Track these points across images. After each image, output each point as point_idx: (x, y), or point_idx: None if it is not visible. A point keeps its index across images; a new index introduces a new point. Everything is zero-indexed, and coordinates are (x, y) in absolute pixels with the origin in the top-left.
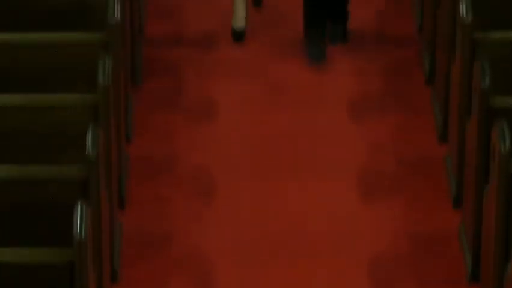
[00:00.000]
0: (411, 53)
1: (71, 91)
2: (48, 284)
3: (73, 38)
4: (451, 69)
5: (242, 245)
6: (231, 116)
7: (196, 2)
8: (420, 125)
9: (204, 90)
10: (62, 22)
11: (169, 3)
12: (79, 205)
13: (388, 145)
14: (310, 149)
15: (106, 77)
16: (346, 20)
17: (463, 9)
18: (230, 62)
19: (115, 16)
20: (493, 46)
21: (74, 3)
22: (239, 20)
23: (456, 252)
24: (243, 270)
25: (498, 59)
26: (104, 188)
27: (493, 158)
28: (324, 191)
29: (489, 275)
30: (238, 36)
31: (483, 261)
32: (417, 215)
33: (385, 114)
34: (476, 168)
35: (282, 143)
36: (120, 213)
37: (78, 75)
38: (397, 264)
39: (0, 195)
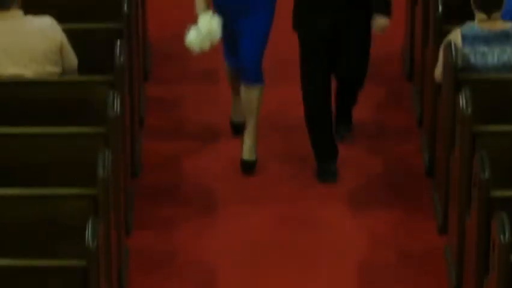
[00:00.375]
0: (411, 145)
1: (71, 184)
2: None
3: (73, 131)
4: (450, 161)
5: None
6: (230, 208)
7: (196, 95)
8: (420, 216)
9: (203, 184)
10: (63, 116)
11: (169, 96)
12: None
13: (389, 237)
14: (311, 241)
15: (106, 170)
16: (351, 120)
17: (462, 102)
18: (229, 156)
19: (115, 110)
20: (492, 138)
21: (74, 97)
22: (237, 113)
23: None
24: None
25: (498, 151)
26: (104, 280)
27: (493, 249)
28: (324, 282)
29: None
30: (237, 129)
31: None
32: None
33: (385, 206)
34: (476, 259)
35: (282, 233)
36: None
37: (78, 168)
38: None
39: (2, 285)
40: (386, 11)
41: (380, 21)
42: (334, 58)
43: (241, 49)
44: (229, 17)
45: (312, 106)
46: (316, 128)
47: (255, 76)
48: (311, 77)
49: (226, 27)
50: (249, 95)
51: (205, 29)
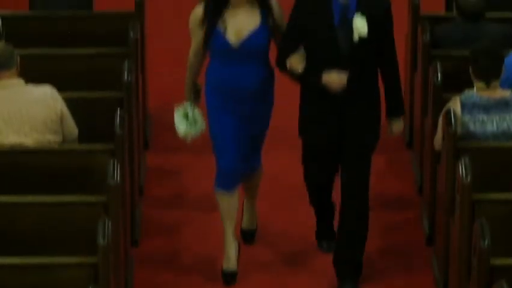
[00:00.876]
0: (411, 213)
1: (71, 252)
2: None
3: (73, 200)
4: (450, 229)
5: None
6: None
7: (195, 164)
8: (421, 285)
9: (203, 252)
10: (63, 184)
11: (169, 164)
12: None
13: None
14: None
15: (106, 238)
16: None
17: (462, 170)
18: None
19: (115, 178)
20: (492, 206)
21: (74, 166)
22: (231, 262)
23: None
24: None
25: (497, 219)
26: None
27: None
28: None
29: None
30: (229, 279)
31: None
32: None
33: (386, 275)
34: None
35: None
36: None
37: (78, 236)
38: None
39: None
40: (401, 111)
41: (396, 125)
42: (338, 159)
43: (242, 146)
44: (228, 104)
45: (316, 199)
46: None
47: (257, 165)
48: (313, 174)
49: (223, 118)
50: (250, 180)
51: (184, 122)
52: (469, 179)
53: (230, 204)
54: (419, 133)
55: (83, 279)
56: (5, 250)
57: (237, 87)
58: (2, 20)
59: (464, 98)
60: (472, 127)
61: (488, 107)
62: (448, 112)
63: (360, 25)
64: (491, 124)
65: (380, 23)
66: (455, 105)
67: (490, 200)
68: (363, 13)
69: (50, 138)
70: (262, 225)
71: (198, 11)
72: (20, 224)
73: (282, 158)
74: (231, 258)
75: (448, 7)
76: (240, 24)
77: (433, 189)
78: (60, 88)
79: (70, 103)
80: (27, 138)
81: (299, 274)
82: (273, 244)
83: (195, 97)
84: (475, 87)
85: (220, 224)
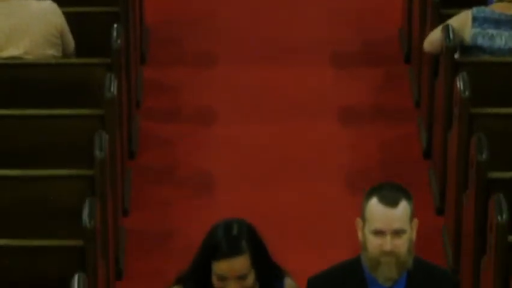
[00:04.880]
0: (408, 127)
1: (69, 165)
2: None
3: (70, 113)
4: (448, 143)
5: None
6: (227, 189)
7: (192, 78)
8: (417, 197)
9: (200, 163)
10: (60, 97)
11: (167, 78)
12: (76, 276)
13: None
14: (307, 221)
15: (103, 150)
16: None
17: (460, 84)
18: (226, 137)
19: (111, 91)
20: (490, 121)
21: (72, 79)
22: None
23: None
24: None
25: (495, 133)
26: (101, 260)
27: (490, 230)
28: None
29: None
30: None
31: None
32: None
33: None
34: (473, 240)
35: (280, 214)
36: (117, 284)
37: (75, 149)
38: None
39: None
40: None
41: None
42: None
43: None
44: None
45: None
46: None
47: None
48: None
49: None
50: None
51: None
52: (467, 94)
53: None
54: (417, 47)
55: (80, 192)
56: (1, 163)
57: None
58: None
59: (476, 12)
60: (480, 40)
61: (499, 22)
62: (447, 27)
63: None
64: (499, 39)
65: None
66: (466, 17)
67: (488, 114)
68: None
69: (50, 53)
70: None
71: None
72: (17, 137)
73: None
74: None
75: None
76: None
77: (431, 103)
78: (58, 3)
79: (67, 17)
80: (27, 52)
81: None
82: None
83: None
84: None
85: (218, 138)
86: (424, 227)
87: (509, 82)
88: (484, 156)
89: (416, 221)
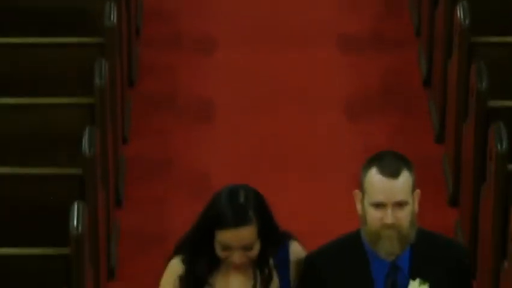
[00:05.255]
0: (408, 55)
1: (68, 93)
2: (45, 280)
3: (70, 41)
4: (448, 71)
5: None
6: (227, 117)
7: (194, 5)
8: (417, 125)
9: (201, 92)
10: (60, 26)
11: (167, 5)
12: (75, 204)
13: (385, 146)
14: (307, 149)
15: (103, 79)
16: None
17: (460, 12)
18: (227, 65)
19: (111, 19)
20: (490, 49)
21: (70, 8)
22: None
23: None
24: None
25: (495, 62)
26: (100, 188)
27: (489, 157)
28: (321, 190)
29: (485, 271)
30: None
31: (480, 258)
32: None
33: (382, 116)
34: (473, 168)
35: (279, 142)
36: (117, 212)
37: (75, 78)
38: None
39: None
40: None
41: None
42: None
43: None
44: None
45: None
46: None
47: None
48: None
49: None
50: None
51: None
52: (467, 22)
53: None
54: None
55: (80, 120)
56: (3, 92)
57: None
58: None
59: None
60: None
61: None
62: None
63: None
64: None
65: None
66: None
67: (487, 43)
68: (424, 278)
69: None
70: None
71: (177, 267)
72: (17, 65)
73: None
74: None
75: None
76: None
77: (431, 32)
78: None
79: None
80: None
81: None
82: None
83: None
84: None
85: (219, 67)
86: (424, 156)
87: (509, 11)
88: (484, 84)
89: (418, 191)
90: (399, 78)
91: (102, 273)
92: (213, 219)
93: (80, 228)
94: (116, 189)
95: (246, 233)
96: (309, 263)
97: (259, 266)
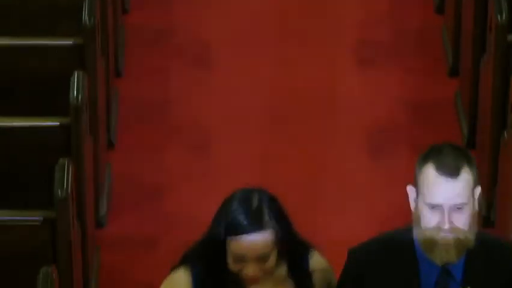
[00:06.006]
0: None
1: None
2: (46, 150)
3: None
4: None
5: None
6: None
7: None
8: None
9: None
10: None
11: None
12: (75, 73)
13: (386, 16)
14: (307, 24)
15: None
16: None
17: None
18: None
19: None
20: None
21: None
22: None
23: (452, 119)
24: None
25: None
26: (100, 57)
27: (489, 28)
28: (323, 62)
29: (485, 141)
30: None
31: (479, 128)
32: (413, 83)
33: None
34: (473, 39)
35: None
36: (116, 82)
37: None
38: (392, 129)
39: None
40: None
41: None
42: None
43: None
44: None
45: None
46: None
47: None
48: None
49: None
50: None
51: None
52: None
53: None
54: None
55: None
56: None
57: None
58: None
59: None
60: None
61: None
62: None
63: None
64: None
65: None
66: None
67: None
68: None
69: None
70: None
71: (181, 280)
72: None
73: None
74: None
75: None
76: None
77: None
78: None
79: None
80: None
81: None
82: None
83: None
84: None
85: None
86: (424, 27)
87: None
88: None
89: (479, 188)
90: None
91: (101, 143)
92: (225, 225)
93: (80, 98)
94: (116, 59)
95: (261, 241)
96: (351, 258)
97: (294, 276)
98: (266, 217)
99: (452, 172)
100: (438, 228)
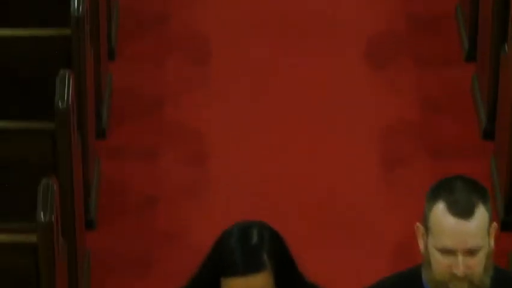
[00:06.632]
0: None
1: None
2: (46, 61)
3: None
4: None
5: (241, 27)
6: None
7: None
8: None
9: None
10: None
11: None
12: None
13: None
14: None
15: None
16: None
17: None
18: None
19: None
20: None
21: None
22: None
23: (453, 32)
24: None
25: None
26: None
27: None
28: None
29: (485, 54)
30: None
31: (479, 42)
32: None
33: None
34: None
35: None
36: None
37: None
38: (394, 42)
39: None
40: None
41: None
42: None
43: None
44: None
45: None
46: None
47: None
48: None
49: None
50: None
51: None
52: None
53: None
54: None
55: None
56: None
57: None
58: None
59: None
60: None
61: None
62: None
63: None
64: None
65: None
66: None
67: None
68: None
69: None
70: None
71: None
72: None
73: None
74: None
75: None
76: None
77: None
78: None
79: None
80: None
81: None
82: None
83: None
84: None
85: None
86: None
87: None
88: None
89: (494, 225)
90: None
91: (102, 54)
92: (220, 263)
93: (80, 9)
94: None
95: (258, 283)
96: None
97: None
98: (265, 256)
99: (466, 212)
100: (451, 272)
